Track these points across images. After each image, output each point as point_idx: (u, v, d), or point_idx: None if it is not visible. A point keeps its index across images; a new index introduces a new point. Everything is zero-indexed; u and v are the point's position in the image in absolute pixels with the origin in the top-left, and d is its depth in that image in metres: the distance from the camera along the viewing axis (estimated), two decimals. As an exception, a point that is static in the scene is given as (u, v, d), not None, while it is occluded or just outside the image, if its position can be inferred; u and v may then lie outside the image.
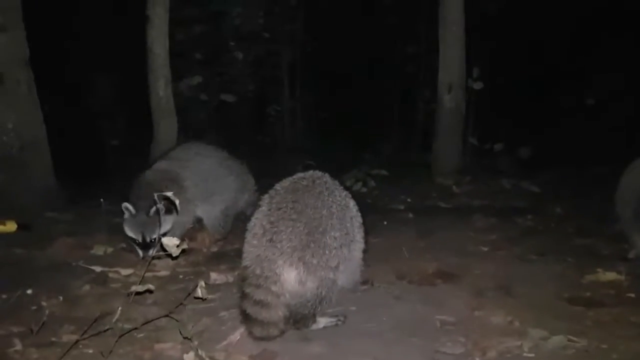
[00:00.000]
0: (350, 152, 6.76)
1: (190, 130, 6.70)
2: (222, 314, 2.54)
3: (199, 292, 2.13)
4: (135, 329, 2.24)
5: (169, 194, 2.18)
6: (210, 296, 2.58)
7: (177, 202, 2.19)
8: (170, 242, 2.03)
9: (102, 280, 2.97)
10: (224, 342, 2.30)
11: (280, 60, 8.38)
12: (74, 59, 8.03)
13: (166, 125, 5.84)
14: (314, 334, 2.33)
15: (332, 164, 6.12)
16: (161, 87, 5.76)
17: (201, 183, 3.55)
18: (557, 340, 2.31)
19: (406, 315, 2.53)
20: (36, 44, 4.33)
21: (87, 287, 2.85)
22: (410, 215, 4.47)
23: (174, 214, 3.20)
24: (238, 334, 2.35)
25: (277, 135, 8.41)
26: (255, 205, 3.72)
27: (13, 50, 4.13)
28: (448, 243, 3.64)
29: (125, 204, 3.23)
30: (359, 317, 2.50)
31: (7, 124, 4.07)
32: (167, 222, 3.23)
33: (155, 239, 3.18)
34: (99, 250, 3.28)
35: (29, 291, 2.67)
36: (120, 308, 2.41)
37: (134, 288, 2.14)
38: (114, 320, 2.43)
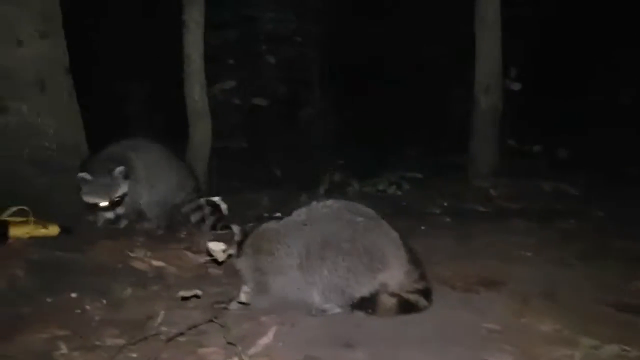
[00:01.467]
0: (383, 155, 6.69)
1: (223, 134, 6.74)
2: (263, 318, 2.52)
3: (242, 298, 2.12)
4: (182, 334, 2.24)
5: (217, 199, 2.18)
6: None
7: (224, 207, 2.18)
8: (217, 247, 2.02)
9: (143, 283, 3.00)
10: (262, 346, 2.29)
11: (311, 63, 8.38)
12: (110, 65, 8.19)
13: (201, 128, 5.91)
14: (357, 340, 2.30)
15: (364, 167, 6.11)
16: (197, 91, 5.84)
17: (147, 169, 3.83)
18: (610, 349, 2.22)
19: (450, 323, 2.47)
20: (74, 51, 4.41)
21: (129, 290, 2.88)
22: (448, 219, 4.40)
23: (129, 180, 3.58)
24: (271, 336, 2.35)
25: (307, 138, 8.40)
26: (194, 207, 3.99)
27: (54, 57, 4.20)
28: (488, 248, 3.56)
29: (81, 174, 3.49)
30: (401, 324, 2.45)
31: (49, 130, 4.14)
32: (125, 186, 3.56)
33: (119, 199, 3.47)
34: (139, 253, 3.31)
35: (73, 294, 2.70)
36: (163, 312, 2.44)
37: (181, 293, 2.15)
38: (156, 323, 2.46)
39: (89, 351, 2.21)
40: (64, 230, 3.49)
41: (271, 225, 2.73)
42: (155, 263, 3.25)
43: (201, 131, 5.91)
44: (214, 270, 3.28)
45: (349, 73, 8.43)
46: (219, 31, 7.02)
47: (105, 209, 3.44)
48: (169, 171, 3.98)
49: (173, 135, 6.55)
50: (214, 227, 4.07)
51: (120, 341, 2.31)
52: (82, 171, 3.52)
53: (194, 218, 4.03)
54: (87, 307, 2.63)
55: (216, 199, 2.14)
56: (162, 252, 3.43)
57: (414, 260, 2.65)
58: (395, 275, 2.58)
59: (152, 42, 7.61)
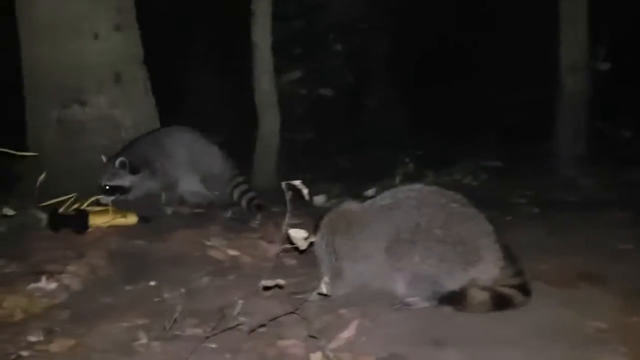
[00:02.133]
0: (458, 143, 6.38)
1: (290, 125, 6.68)
2: (342, 311, 2.40)
3: (323, 289, 2.00)
4: (263, 325, 2.15)
5: (298, 182, 2.06)
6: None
7: (305, 192, 2.07)
8: (298, 235, 1.91)
9: (220, 272, 2.96)
10: (344, 340, 2.17)
11: (379, 51, 8.16)
12: (178, 58, 8.33)
13: (270, 119, 5.88)
14: (447, 338, 2.12)
15: (439, 157, 5.85)
16: (265, 82, 5.81)
17: (185, 156, 3.99)
18: None
19: (549, 321, 2.24)
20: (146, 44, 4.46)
21: (206, 279, 2.84)
22: (536, 209, 4.09)
23: (138, 176, 3.75)
24: (353, 329, 2.22)
25: (377, 128, 8.19)
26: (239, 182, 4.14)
27: (129, 49, 4.27)
28: (584, 240, 3.26)
29: (102, 157, 3.77)
30: (494, 321, 2.24)
31: (126, 121, 4.22)
32: (124, 179, 3.73)
33: (108, 187, 3.65)
34: (215, 242, 3.27)
35: (152, 283, 2.69)
36: (241, 301, 2.36)
37: (263, 282, 2.05)
38: (234, 313, 2.39)
39: (169, 341, 2.17)
40: (142, 219, 3.52)
41: (352, 206, 2.59)
42: (231, 252, 3.20)
43: (270, 122, 5.88)
44: (289, 260, 3.19)
45: (419, 59, 8.13)
46: (285, 21, 6.95)
47: (103, 190, 3.68)
48: (206, 157, 4.12)
49: (243, 127, 6.61)
50: (248, 206, 4.16)
51: (199, 331, 2.26)
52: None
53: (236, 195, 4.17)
54: (166, 295, 2.60)
55: (297, 182, 2.02)
56: (237, 241, 3.38)
57: (510, 255, 2.43)
58: (489, 270, 2.37)
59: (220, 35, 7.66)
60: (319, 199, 2.73)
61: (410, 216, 2.42)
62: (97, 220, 3.31)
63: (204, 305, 2.53)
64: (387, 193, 2.57)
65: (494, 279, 2.39)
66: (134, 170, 3.73)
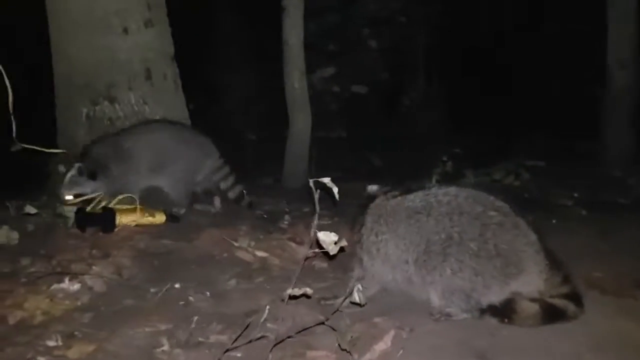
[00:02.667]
0: (499, 142, 6.12)
1: (322, 123, 6.54)
2: (377, 319, 2.24)
3: (356, 297, 1.85)
4: (290, 337, 2.01)
5: (327, 180, 1.91)
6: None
7: (335, 190, 1.91)
8: (328, 239, 1.76)
9: (247, 274, 2.84)
10: (378, 352, 2.01)
11: (416, 46, 7.93)
12: (209, 56, 8.30)
13: (301, 117, 5.75)
14: (493, 353, 1.94)
15: (476, 155, 5.60)
16: (296, 79, 5.68)
17: (150, 155, 3.73)
18: None
19: (607, 334, 2.04)
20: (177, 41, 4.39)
21: (233, 281, 2.72)
22: (583, 212, 3.84)
23: (97, 180, 3.50)
24: (388, 341, 2.06)
25: (412, 126, 7.97)
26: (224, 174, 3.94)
27: (159, 46, 4.19)
28: (638, 244, 3.02)
29: (59, 167, 3.64)
30: (546, 333, 2.05)
31: (155, 118, 4.15)
32: (85, 186, 3.48)
33: (71, 196, 3.45)
34: (243, 243, 3.16)
35: (177, 285, 2.59)
36: (268, 307, 2.23)
37: (289, 292, 1.91)
38: (261, 319, 2.26)
39: (192, 348, 2.05)
40: (171, 218, 3.43)
41: (383, 202, 2.42)
42: (259, 253, 3.08)
43: (301, 120, 5.75)
44: (320, 263, 3.05)
45: (459, 55, 7.87)
46: (318, 16, 6.81)
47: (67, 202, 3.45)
48: (183, 150, 3.83)
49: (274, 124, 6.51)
50: (237, 202, 4.01)
51: (224, 338, 2.13)
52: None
53: (232, 194, 3.99)
54: (191, 298, 2.49)
55: (326, 180, 1.87)
56: (266, 242, 3.26)
57: (555, 264, 2.22)
58: (532, 282, 2.18)
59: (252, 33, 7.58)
60: (373, 188, 2.52)
61: (441, 226, 2.23)
62: (124, 219, 3.23)
63: (230, 309, 2.41)
64: (418, 194, 2.36)
65: (539, 291, 2.19)
66: (91, 176, 3.53)
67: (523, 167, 5.03)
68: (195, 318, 2.07)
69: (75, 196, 3.47)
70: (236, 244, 3.15)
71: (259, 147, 8.15)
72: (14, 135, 3.45)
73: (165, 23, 4.26)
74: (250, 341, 1.91)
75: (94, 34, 3.92)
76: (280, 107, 5.90)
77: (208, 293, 2.53)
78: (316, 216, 1.91)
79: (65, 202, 3.44)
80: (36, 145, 3.38)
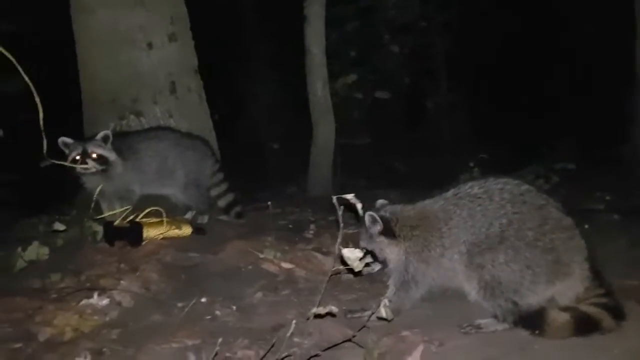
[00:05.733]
0: (526, 147, 6.00)
1: (346, 129, 6.53)
2: (405, 333, 2.20)
3: (383, 312, 1.81)
4: (317, 355, 1.98)
5: (350, 196, 1.89)
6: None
7: (359, 206, 1.89)
8: (353, 255, 1.74)
9: (273, 286, 2.83)
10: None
11: (436, 51, 7.86)
12: (233, 67, 8.37)
13: (324, 125, 5.75)
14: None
15: (504, 160, 5.49)
16: (319, 87, 5.69)
17: (158, 158, 3.75)
18: None
19: (645, 349, 1.95)
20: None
21: (259, 294, 2.71)
22: (616, 216, 3.72)
23: (120, 158, 3.56)
24: (417, 356, 2.02)
25: (436, 132, 7.89)
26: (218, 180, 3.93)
27: (183, 59, 4.24)
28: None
29: (61, 139, 3.50)
30: (579, 347, 1.98)
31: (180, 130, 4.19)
32: (110, 152, 3.53)
33: (95, 154, 3.47)
34: (268, 255, 3.15)
35: (204, 299, 2.59)
36: (294, 322, 2.21)
37: (315, 310, 1.88)
38: (288, 334, 2.25)
39: (219, 364, 2.05)
40: (197, 230, 3.45)
41: (429, 203, 2.40)
42: (285, 265, 3.07)
43: (324, 127, 5.75)
44: (346, 275, 3.02)
45: (481, 60, 7.76)
46: (338, 24, 6.81)
47: (86, 155, 3.48)
48: (186, 152, 3.86)
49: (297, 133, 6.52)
50: (226, 211, 3.97)
51: (251, 353, 2.12)
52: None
53: (222, 203, 3.98)
54: (218, 312, 2.49)
55: (350, 196, 1.84)
56: (291, 253, 3.25)
57: (596, 272, 2.15)
58: (574, 287, 2.12)
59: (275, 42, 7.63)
60: (382, 203, 2.54)
61: (503, 210, 2.21)
62: (151, 233, 3.26)
63: (256, 324, 2.40)
64: (475, 183, 2.37)
65: (577, 297, 2.13)
66: (116, 147, 3.59)
67: (552, 170, 4.92)
68: (221, 338, 2.05)
69: (98, 158, 3.50)
70: (262, 256, 3.15)
71: (282, 156, 8.19)
72: (44, 151, 3.53)
73: (189, 36, 4.31)
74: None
75: (119, 50, 3.99)
76: (302, 115, 5.92)
77: (234, 307, 2.53)
78: (340, 233, 1.89)
79: (88, 157, 3.44)
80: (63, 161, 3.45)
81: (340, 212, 1.90)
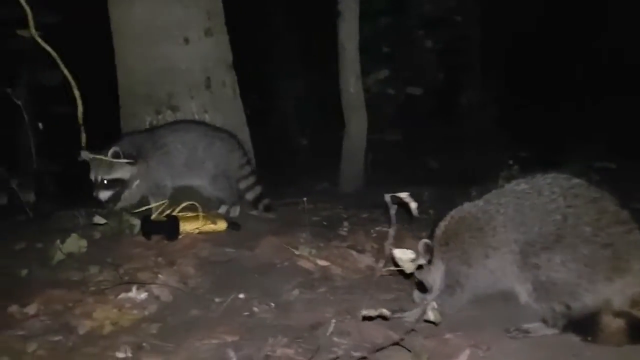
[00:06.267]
0: (564, 143, 5.83)
1: (377, 126, 6.45)
2: (448, 336, 2.13)
3: (431, 316, 1.75)
4: (365, 358, 1.92)
5: (405, 195, 1.83)
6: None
7: (413, 206, 1.83)
8: (405, 256, 1.68)
9: (309, 284, 2.79)
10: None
11: (472, 45, 7.70)
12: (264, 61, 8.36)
13: (357, 121, 5.69)
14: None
15: (542, 157, 5.34)
16: (352, 83, 5.63)
17: (186, 150, 3.69)
18: None
19: None
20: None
21: (295, 291, 2.68)
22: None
23: (136, 167, 3.46)
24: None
25: (469, 128, 7.74)
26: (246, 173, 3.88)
27: (218, 54, 4.23)
28: None
29: (83, 153, 3.46)
30: (635, 355, 1.88)
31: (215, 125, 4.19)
32: (124, 170, 3.44)
33: (106, 181, 3.38)
34: (303, 251, 3.12)
35: (241, 295, 2.57)
36: (334, 321, 2.17)
37: (365, 312, 1.82)
38: (327, 333, 2.21)
39: (259, 362, 2.02)
40: (232, 225, 3.44)
41: (467, 207, 2.34)
42: (320, 262, 3.03)
43: (357, 124, 5.69)
44: (383, 273, 2.96)
45: (519, 54, 7.57)
46: (372, 19, 6.72)
47: (94, 185, 3.42)
48: (214, 144, 3.81)
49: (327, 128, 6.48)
50: (255, 205, 3.90)
51: (290, 352, 2.09)
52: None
53: (250, 196, 3.91)
54: (255, 309, 2.47)
55: (404, 195, 1.78)
56: (326, 250, 3.21)
57: None
58: (632, 285, 2.01)
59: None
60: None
61: (554, 204, 2.11)
62: (187, 227, 3.26)
63: (295, 321, 2.36)
64: (520, 180, 2.30)
65: (632, 300, 2.03)
66: (130, 158, 3.46)
67: (593, 169, 4.75)
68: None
69: (112, 182, 3.41)
70: (297, 252, 3.12)
71: (312, 152, 8.16)
72: (83, 145, 3.57)
73: (224, 31, 4.29)
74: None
75: (156, 45, 3.99)
76: (333, 111, 5.87)
77: (273, 304, 2.50)
78: (392, 232, 1.83)
79: (99, 186, 3.38)
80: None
81: (393, 211, 1.84)
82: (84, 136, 3.57)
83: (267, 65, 8.37)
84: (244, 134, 4.40)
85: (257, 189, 3.98)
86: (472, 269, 2.28)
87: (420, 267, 1.89)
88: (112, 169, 3.42)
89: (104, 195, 3.44)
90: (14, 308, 2.49)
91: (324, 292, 2.72)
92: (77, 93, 3.65)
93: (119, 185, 3.48)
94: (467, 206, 2.38)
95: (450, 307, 2.29)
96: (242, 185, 3.96)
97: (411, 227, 3.29)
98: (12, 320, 2.41)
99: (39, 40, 3.58)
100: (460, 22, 7.29)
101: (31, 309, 2.46)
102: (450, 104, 7.75)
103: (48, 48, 3.59)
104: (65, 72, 3.64)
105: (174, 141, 3.71)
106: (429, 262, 2.33)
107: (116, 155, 3.41)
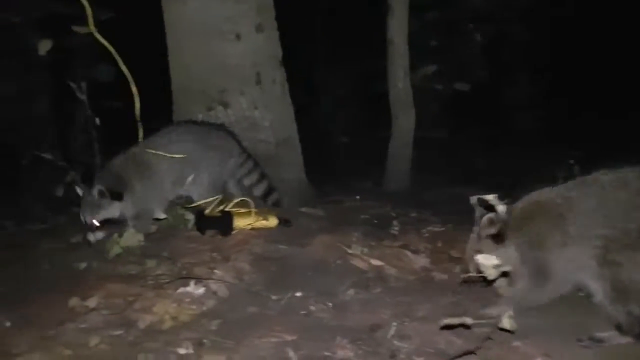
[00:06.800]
0: (614, 144, 5.57)
1: (423, 123, 6.33)
2: (516, 343, 2.04)
3: (506, 324, 1.67)
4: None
5: (491, 197, 1.76)
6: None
7: (501, 209, 1.75)
8: (488, 262, 1.61)
9: (364, 284, 2.74)
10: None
11: (522, 40, 7.47)
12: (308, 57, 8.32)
13: (405, 118, 5.60)
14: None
15: (600, 157, 5.11)
16: (400, 79, 5.55)
17: (177, 164, 3.45)
18: None
19: None
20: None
21: (351, 291, 2.64)
22: None
23: (123, 201, 3.23)
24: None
25: (519, 125, 7.52)
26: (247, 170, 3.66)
27: (268, 50, 4.23)
28: None
29: (77, 188, 3.26)
30: None
31: (264, 122, 4.18)
32: (112, 208, 3.21)
33: (95, 223, 3.15)
34: (356, 250, 3.07)
35: (298, 294, 2.55)
36: (395, 324, 2.12)
37: (447, 321, 1.75)
38: (388, 336, 2.16)
39: (320, 363, 1.99)
40: (283, 222, 3.43)
41: (545, 192, 2.23)
42: (374, 262, 2.97)
43: (404, 120, 5.60)
44: (439, 275, 2.89)
45: (573, 48, 7.29)
46: (419, 12, 6.59)
47: (85, 227, 3.19)
48: (207, 157, 3.61)
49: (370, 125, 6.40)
50: (264, 199, 3.76)
51: (351, 354, 2.05)
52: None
53: (258, 191, 3.78)
54: (312, 308, 2.44)
55: (491, 197, 1.70)
56: (379, 249, 3.15)
57: None
58: None
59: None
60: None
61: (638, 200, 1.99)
62: (240, 223, 3.26)
63: (352, 322, 2.32)
64: (604, 170, 2.18)
65: None
66: (116, 197, 3.22)
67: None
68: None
69: (102, 223, 3.20)
70: (350, 251, 3.07)
71: (353, 150, 8.09)
72: (140, 139, 3.62)
73: (274, 27, 4.28)
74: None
75: (208, 41, 4.02)
76: (375, 108, 5.79)
77: (330, 304, 2.47)
78: (474, 235, 1.75)
79: (89, 228, 3.16)
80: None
81: (478, 214, 1.77)
82: (141, 131, 3.61)
83: (312, 61, 8.33)
84: (292, 131, 4.39)
85: (264, 184, 3.85)
86: (548, 255, 2.14)
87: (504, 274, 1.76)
88: (100, 208, 3.20)
89: (94, 237, 3.21)
90: (74, 301, 2.53)
91: (379, 292, 2.67)
92: (134, 89, 3.69)
93: (109, 223, 3.26)
94: (545, 191, 2.27)
95: (534, 299, 2.17)
96: (247, 182, 3.82)
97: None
98: (73, 313, 2.45)
99: (99, 36, 3.64)
100: (510, 17, 7.07)
101: (91, 302, 2.50)
102: (498, 101, 7.54)
103: (107, 45, 3.65)
104: (124, 68, 3.69)
105: (157, 163, 3.46)
106: (497, 239, 2.19)
107: (101, 195, 3.19)
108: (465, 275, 1.73)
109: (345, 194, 4.89)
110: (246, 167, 3.82)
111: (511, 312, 1.72)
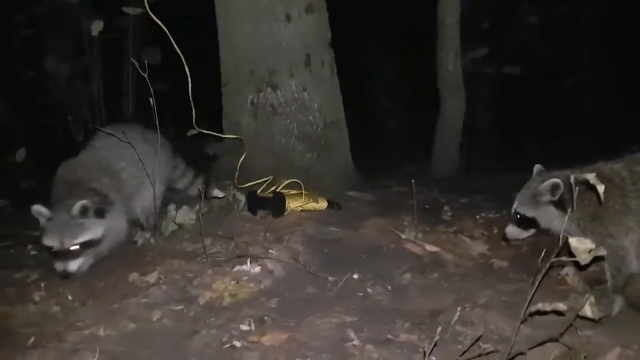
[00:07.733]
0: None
1: (472, 107, 6.16)
2: (587, 332, 1.96)
3: (588, 311, 1.59)
4: (523, 353, 1.79)
5: (591, 176, 1.66)
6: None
7: (600, 188, 1.64)
8: (582, 246, 1.51)
9: (420, 269, 2.69)
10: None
11: (583, 22, 7.14)
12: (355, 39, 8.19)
13: (454, 102, 5.45)
14: None
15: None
16: (451, 61, 5.39)
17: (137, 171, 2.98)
18: None
19: None
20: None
21: (407, 275, 2.60)
22: None
23: (107, 218, 2.75)
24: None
25: (575, 112, 7.23)
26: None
27: (318, 32, 4.16)
28: None
29: (36, 207, 2.65)
30: None
31: (313, 104, 4.14)
32: (96, 228, 2.70)
33: (77, 246, 2.63)
34: (409, 235, 3.01)
35: (355, 276, 2.52)
36: (459, 309, 2.06)
37: (540, 306, 1.62)
38: (452, 321, 2.11)
39: (382, 346, 1.95)
40: (332, 205, 3.39)
41: (609, 163, 2.18)
42: (429, 247, 2.91)
43: (454, 104, 5.45)
44: (498, 262, 2.81)
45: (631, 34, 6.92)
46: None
47: (59, 256, 2.64)
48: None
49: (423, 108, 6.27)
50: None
51: (414, 338, 2.01)
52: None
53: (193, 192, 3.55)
54: (369, 290, 2.41)
55: (591, 176, 1.61)
56: (433, 235, 3.09)
57: None
58: None
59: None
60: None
61: None
62: (292, 204, 3.24)
63: (412, 306, 2.28)
64: None
65: None
66: (99, 214, 2.76)
67: None
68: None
69: (83, 245, 2.68)
70: (403, 236, 3.02)
71: (401, 133, 7.97)
72: (193, 120, 3.62)
73: (324, 8, 4.21)
74: (479, 355, 1.72)
75: (259, 22, 3.98)
76: (421, 92, 5.66)
77: (389, 287, 2.43)
78: (568, 217, 1.66)
79: (65, 256, 2.63)
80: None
81: (575, 194, 1.69)
82: (193, 112, 3.62)
83: (359, 44, 8.20)
84: (340, 114, 4.33)
85: (199, 181, 3.70)
86: (609, 229, 2.10)
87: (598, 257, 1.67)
88: (81, 229, 2.68)
89: (73, 266, 2.67)
90: (134, 276, 2.58)
91: (437, 278, 2.62)
92: (187, 70, 3.70)
93: (92, 245, 2.74)
94: (609, 163, 2.18)
95: (626, 271, 2.11)
96: (180, 185, 3.62)
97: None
98: (135, 288, 2.49)
99: (154, 17, 3.64)
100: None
101: (151, 278, 2.53)
102: (552, 85, 7.25)
103: (162, 26, 3.65)
104: (177, 49, 3.70)
105: (126, 166, 3.05)
106: (559, 205, 2.12)
107: (84, 212, 2.68)
108: (555, 259, 1.63)
109: (392, 178, 4.82)
110: (180, 168, 3.65)
111: (592, 299, 1.64)
